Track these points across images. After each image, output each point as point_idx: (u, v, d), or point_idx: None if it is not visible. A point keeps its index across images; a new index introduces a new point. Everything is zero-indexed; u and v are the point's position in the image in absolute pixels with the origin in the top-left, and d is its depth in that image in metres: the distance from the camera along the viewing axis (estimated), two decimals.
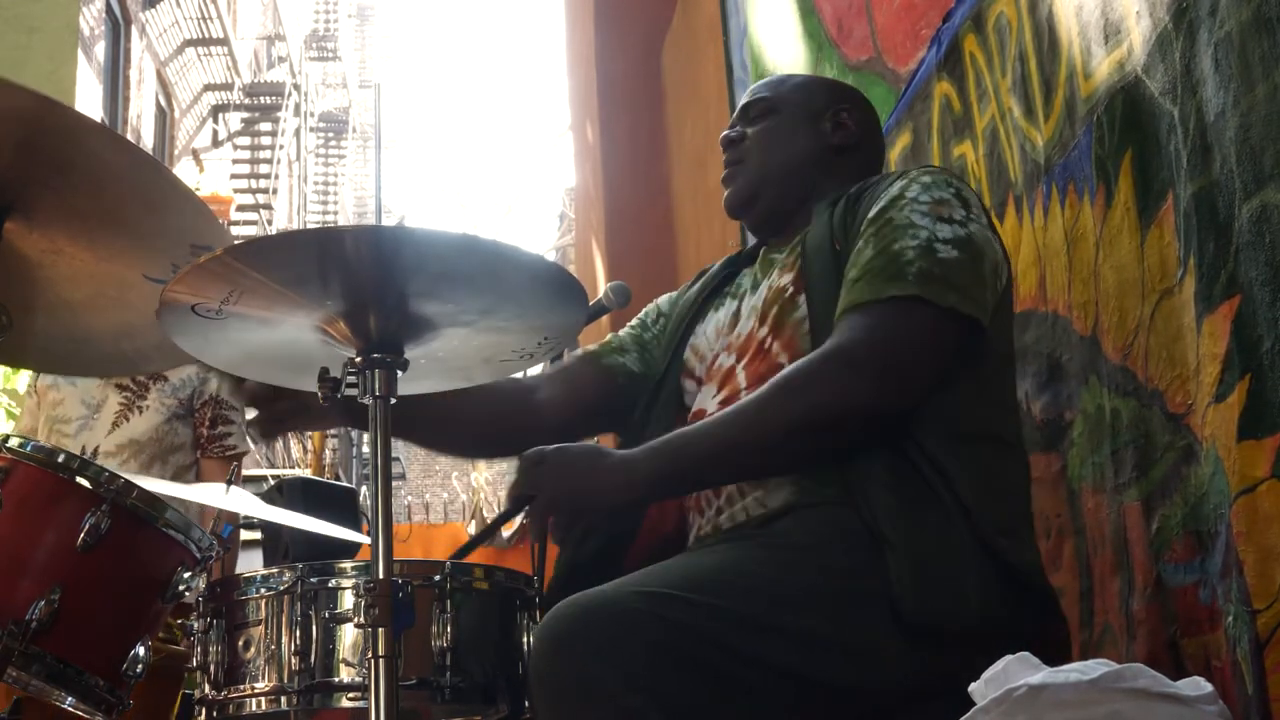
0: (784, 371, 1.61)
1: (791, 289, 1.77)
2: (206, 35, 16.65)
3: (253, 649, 1.73)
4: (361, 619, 1.50)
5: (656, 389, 1.96)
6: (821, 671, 1.48)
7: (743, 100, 2.01)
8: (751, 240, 2.05)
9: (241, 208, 17.82)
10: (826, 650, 1.48)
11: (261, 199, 18.94)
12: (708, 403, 1.81)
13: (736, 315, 1.87)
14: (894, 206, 1.68)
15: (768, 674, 1.46)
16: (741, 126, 1.97)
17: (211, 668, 1.75)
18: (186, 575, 2.00)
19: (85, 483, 1.93)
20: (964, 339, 1.61)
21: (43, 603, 1.82)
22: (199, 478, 3.35)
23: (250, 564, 4.25)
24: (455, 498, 17.35)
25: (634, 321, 2.13)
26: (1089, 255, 1.92)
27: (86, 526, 1.88)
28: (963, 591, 1.50)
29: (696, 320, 1.97)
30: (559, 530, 1.63)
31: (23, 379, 6.04)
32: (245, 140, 19.96)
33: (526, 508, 1.62)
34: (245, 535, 4.04)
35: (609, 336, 2.11)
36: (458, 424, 1.98)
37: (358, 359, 1.57)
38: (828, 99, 1.97)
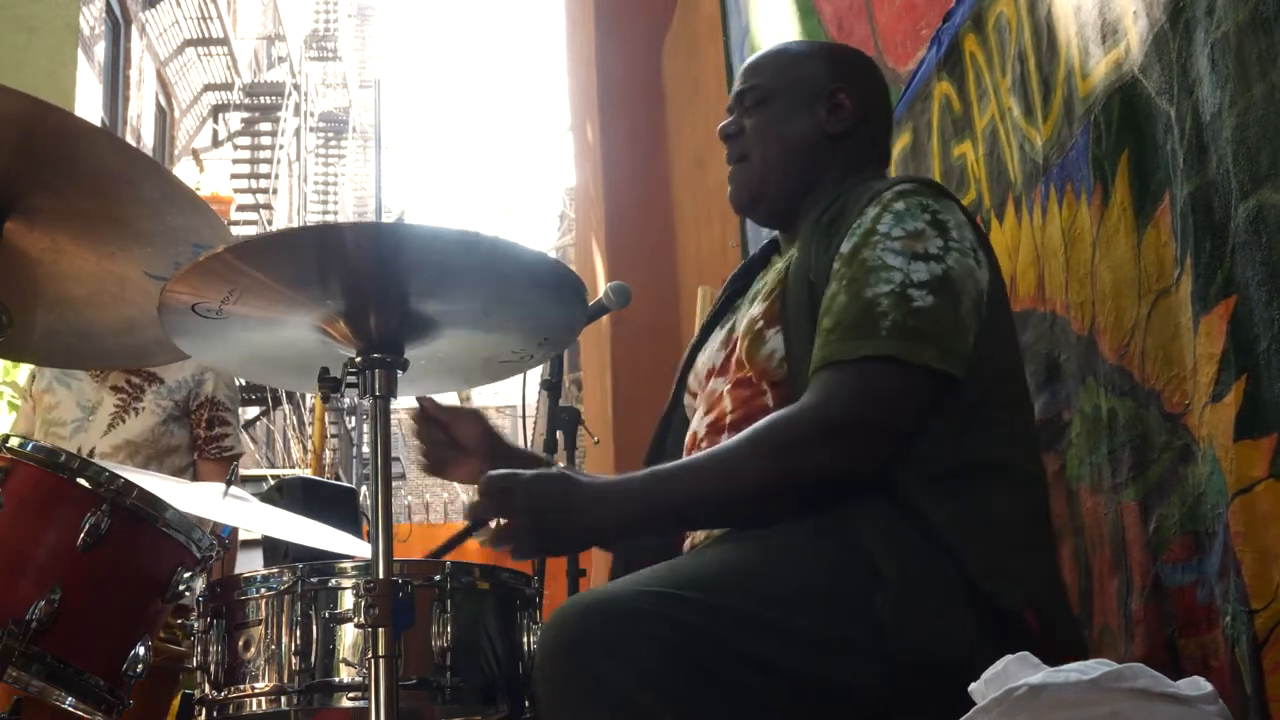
0: (759, 427, 1.58)
1: (762, 322, 1.74)
2: (206, 35, 16.65)
3: (253, 649, 1.73)
4: (361, 619, 1.50)
5: (670, 412, 1.97)
6: (825, 671, 1.48)
7: (737, 84, 1.96)
8: (750, 239, 2.04)
9: (241, 208, 17.82)
10: (828, 650, 1.48)
11: (261, 199, 18.93)
12: (699, 425, 1.82)
13: (730, 333, 1.85)
14: (866, 244, 1.64)
15: (772, 675, 1.46)
16: (738, 116, 1.92)
17: (211, 668, 1.75)
18: (186, 575, 2.00)
19: (85, 483, 1.93)
20: (939, 394, 1.58)
21: (43, 602, 1.82)
22: (196, 479, 3.34)
23: (250, 564, 4.25)
24: (455, 498, 17.34)
25: None
26: (1086, 255, 1.92)
27: (86, 526, 1.88)
28: (946, 631, 1.49)
29: (704, 338, 1.96)
30: (517, 555, 1.60)
31: (24, 372, 6.04)
32: (245, 140, 19.95)
33: (484, 529, 1.58)
34: (245, 535, 4.03)
35: None
36: None
37: (358, 359, 1.58)
38: (824, 78, 1.89)
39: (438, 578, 1.71)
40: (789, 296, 1.72)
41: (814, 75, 1.91)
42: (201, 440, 3.45)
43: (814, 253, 1.71)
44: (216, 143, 18.90)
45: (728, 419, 1.75)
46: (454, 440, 1.94)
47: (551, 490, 1.56)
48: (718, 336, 1.90)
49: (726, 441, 1.62)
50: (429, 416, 1.94)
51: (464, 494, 16.47)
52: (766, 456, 1.56)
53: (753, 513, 1.59)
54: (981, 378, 1.62)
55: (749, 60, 1.98)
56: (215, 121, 18.80)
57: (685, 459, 1.67)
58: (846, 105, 1.88)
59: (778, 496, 1.57)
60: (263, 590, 1.75)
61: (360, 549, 2.30)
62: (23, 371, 5.99)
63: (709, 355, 1.89)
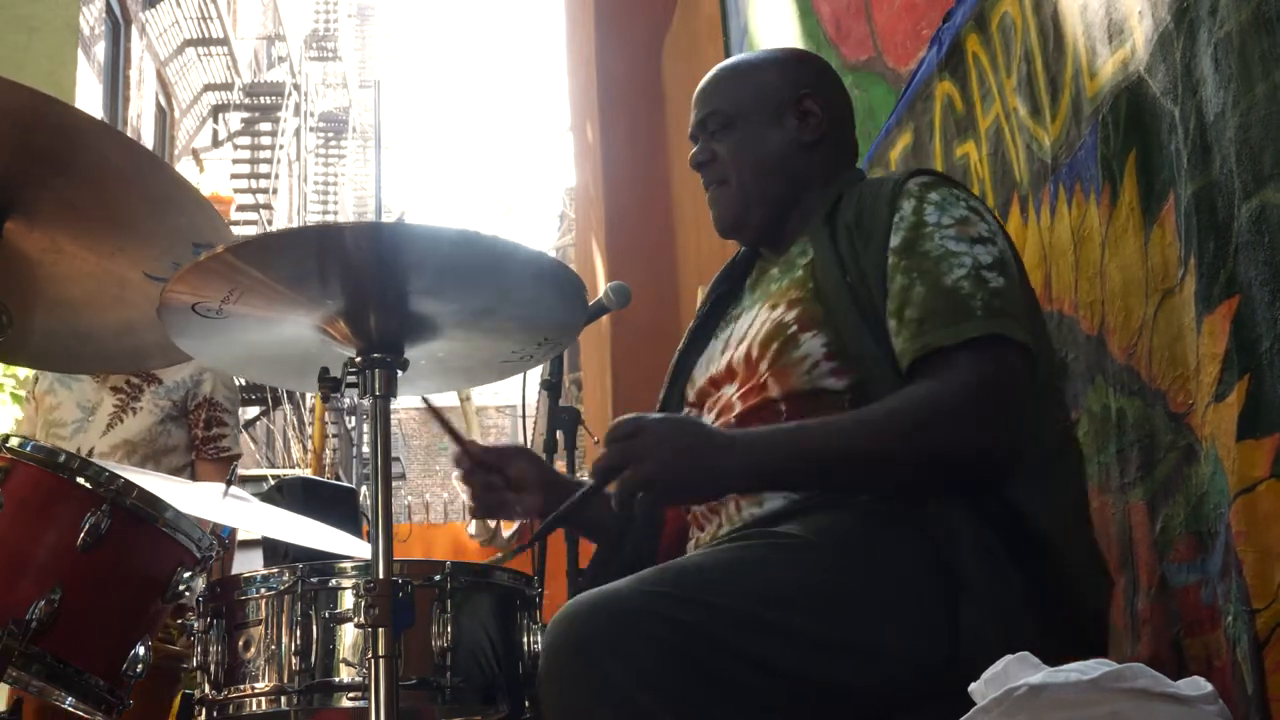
0: (896, 401, 1.56)
1: (796, 326, 1.70)
2: (206, 35, 16.65)
3: (253, 649, 1.73)
4: (361, 619, 1.50)
5: (665, 407, 1.96)
6: (825, 672, 1.48)
7: (695, 112, 1.92)
8: None
9: (241, 207, 17.81)
10: (829, 651, 1.48)
11: (261, 199, 18.93)
12: (707, 413, 1.80)
13: (729, 340, 1.84)
14: (920, 236, 1.64)
15: (772, 675, 1.46)
16: (705, 143, 1.90)
17: (211, 668, 1.75)
18: (186, 575, 2.00)
19: (85, 483, 1.93)
20: (1029, 367, 1.59)
21: (43, 602, 1.82)
22: (194, 479, 3.35)
23: (250, 564, 4.25)
24: (455, 498, 17.34)
25: None
26: (1095, 255, 1.92)
27: (86, 526, 1.87)
28: (1029, 641, 1.43)
29: (695, 348, 1.94)
30: (646, 503, 1.53)
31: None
32: (245, 140, 19.95)
33: (617, 481, 1.49)
34: (245, 535, 4.03)
35: None
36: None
37: (358, 359, 1.57)
38: (786, 87, 1.87)
39: (438, 578, 1.71)
40: (828, 298, 1.69)
41: (775, 87, 1.88)
42: (199, 441, 3.46)
43: (844, 252, 1.71)
44: (216, 143, 18.90)
45: (734, 417, 1.73)
46: (506, 480, 1.89)
47: (684, 432, 1.52)
48: (716, 345, 1.88)
49: (858, 410, 1.58)
50: (477, 461, 1.88)
51: (464, 495, 16.47)
52: (915, 426, 1.54)
53: (894, 481, 1.57)
54: (1039, 357, 1.64)
55: (701, 85, 1.94)
56: (215, 121, 18.81)
57: (825, 419, 1.60)
58: (816, 111, 1.86)
59: (923, 466, 1.54)
60: (263, 590, 1.75)
61: (360, 549, 2.29)
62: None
63: (710, 363, 1.86)
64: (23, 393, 6.00)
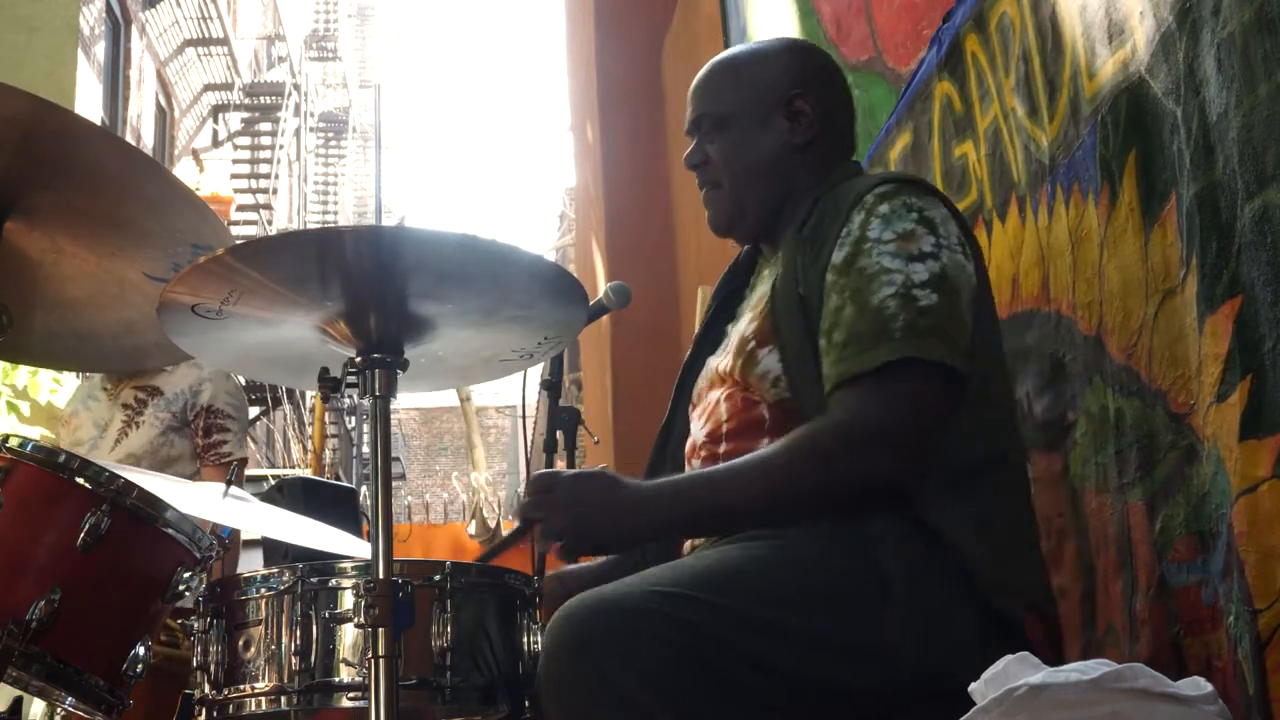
0: (798, 438, 1.59)
1: (754, 342, 1.74)
2: (206, 35, 16.65)
3: (253, 649, 1.73)
4: (361, 619, 1.50)
5: (670, 421, 1.97)
6: (824, 672, 1.48)
7: (691, 107, 1.92)
8: None
9: (241, 208, 17.82)
10: (828, 651, 1.48)
11: (261, 199, 18.93)
12: (698, 434, 1.82)
13: (727, 344, 1.85)
14: (860, 252, 1.64)
15: (772, 675, 1.46)
16: (699, 143, 1.90)
17: (211, 668, 1.75)
18: (186, 575, 2.00)
19: (85, 483, 1.93)
20: (952, 391, 1.60)
21: (43, 603, 1.82)
22: None
23: (250, 564, 4.25)
24: (455, 498, 17.34)
25: None
26: (1093, 255, 1.92)
27: (86, 526, 1.87)
28: (952, 638, 1.51)
29: (704, 347, 1.95)
30: (564, 557, 1.63)
31: (23, 374, 6.05)
32: (245, 140, 19.95)
33: (533, 529, 1.62)
34: (246, 535, 4.04)
35: None
36: None
37: (358, 359, 1.57)
38: (778, 87, 1.86)
39: (438, 578, 1.71)
40: (780, 315, 1.71)
41: (767, 86, 1.87)
42: (201, 449, 3.56)
43: (799, 264, 1.71)
44: (216, 143, 18.90)
45: (724, 429, 1.76)
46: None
47: (593, 488, 1.59)
48: (721, 344, 1.90)
49: (763, 450, 1.62)
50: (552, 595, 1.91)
51: (463, 494, 16.48)
52: (810, 464, 1.57)
53: (792, 519, 1.60)
54: (978, 373, 1.64)
55: (696, 81, 1.94)
56: (215, 121, 18.81)
57: (724, 465, 1.67)
58: (807, 111, 1.86)
59: (820, 504, 1.57)
60: (263, 590, 1.74)
61: (360, 549, 2.29)
62: (22, 374, 6.03)
63: (709, 364, 1.89)
64: (19, 401, 6.06)
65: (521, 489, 1.64)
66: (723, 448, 1.74)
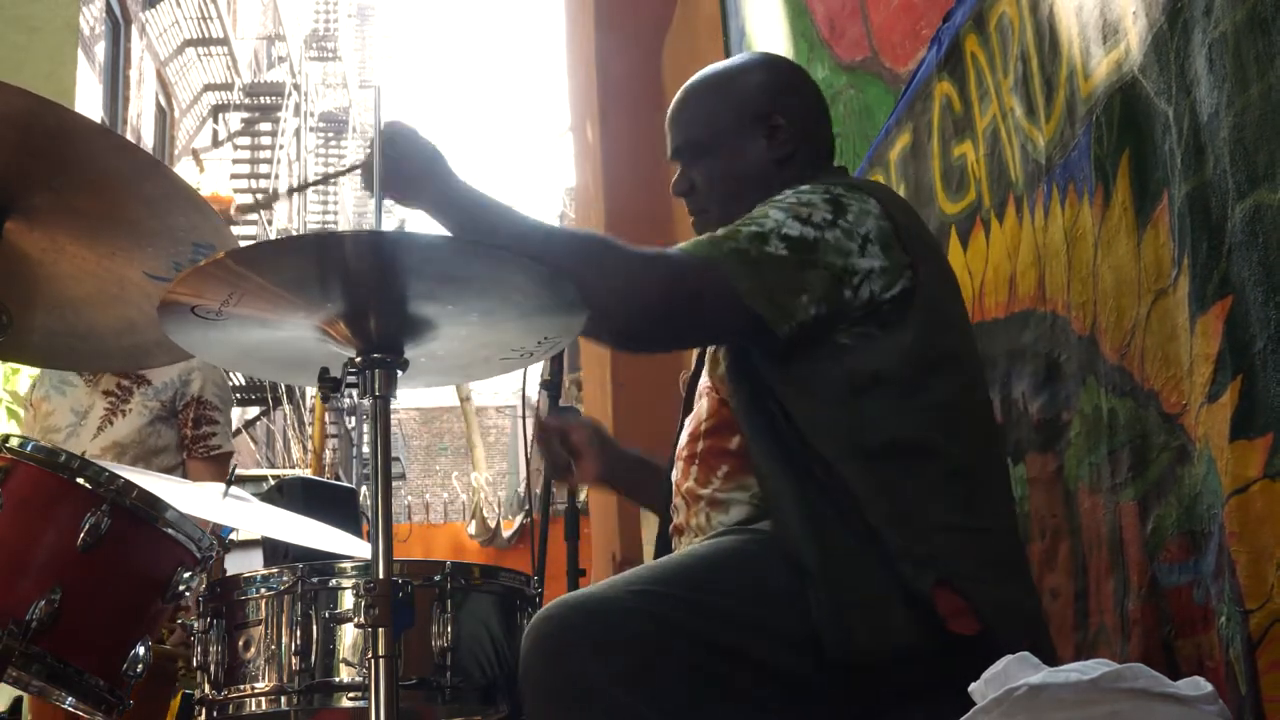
0: (605, 236, 1.69)
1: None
2: (206, 35, 16.63)
3: (253, 649, 1.74)
4: (361, 619, 1.50)
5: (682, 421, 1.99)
6: (800, 665, 1.49)
7: (670, 136, 1.95)
8: None
9: (241, 208, 17.80)
10: (802, 644, 1.49)
11: (261, 199, 18.92)
12: (683, 436, 1.86)
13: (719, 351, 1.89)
14: (766, 203, 1.70)
15: (745, 664, 1.48)
16: (684, 172, 1.92)
17: (211, 668, 1.75)
18: (186, 575, 2.00)
19: (85, 483, 1.93)
20: (747, 333, 1.63)
21: (43, 603, 1.82)
22: (186, 479, 3.36)
23: (250, 564, 4.25)
24: (455, 498, 17.34)
25: None
26: (1088, 255, 1.92)
27: (86, 526, 1.88)
28: (882, 625, 1.49)
29: (702, 362, 1.98)
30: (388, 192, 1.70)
31: (23, 380, 6.04)
32: (245, 140, 19.93)
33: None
34: (246, 535, 4.04)
35: None
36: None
37: (357, 359, 1.58)
38: (753, 103, 1.89)
39: (437, 578, 1.72)
40: None
41: (740, 105, 1.90)
42: (189, 440, 3.48)
43: None
44: (216, 143, 18.88)
45: (702, 427, 1.79)
46: (570, 446, 2.09)
47: (421, 145, 1.70)
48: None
49: (574, 228, 1.70)
50: (549, 429, 2.11)
51: (463, 495, 16.47)
52: (586, 251, 1.66)
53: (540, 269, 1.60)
54: (914, 354, 1.65)
55: (671, 110, 1.97)
56: (215, 121, 18.79)
57: (530, 215, 1.72)
58: (783, 124, 1.88)
59: (563, 283, 1.56)
60: (263, 590, 1.75)
61: (360, 549, 2.30)
62: (23, 380, 6.02)
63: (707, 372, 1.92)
64: (18, 407, 6.04)
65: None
66: (700, 445, 1.78)
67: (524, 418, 3.19)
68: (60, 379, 3.52)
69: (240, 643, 1.75)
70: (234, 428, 3.82)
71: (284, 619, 1.71)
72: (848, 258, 1.65)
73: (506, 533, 12.41)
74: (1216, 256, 1.53)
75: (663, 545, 1.87)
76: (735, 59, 2.09)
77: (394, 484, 1.66)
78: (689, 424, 1.84)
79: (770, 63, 2.06)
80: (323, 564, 1.75)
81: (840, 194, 1.70)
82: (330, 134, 28.06)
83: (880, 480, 1.57)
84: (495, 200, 1.70)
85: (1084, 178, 1.93)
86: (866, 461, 1.58)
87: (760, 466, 1.63)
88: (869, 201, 1.71)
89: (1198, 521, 1.61)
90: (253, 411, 16.80)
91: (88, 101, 11.70)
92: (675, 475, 1.83)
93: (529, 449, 2.19)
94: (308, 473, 13.12)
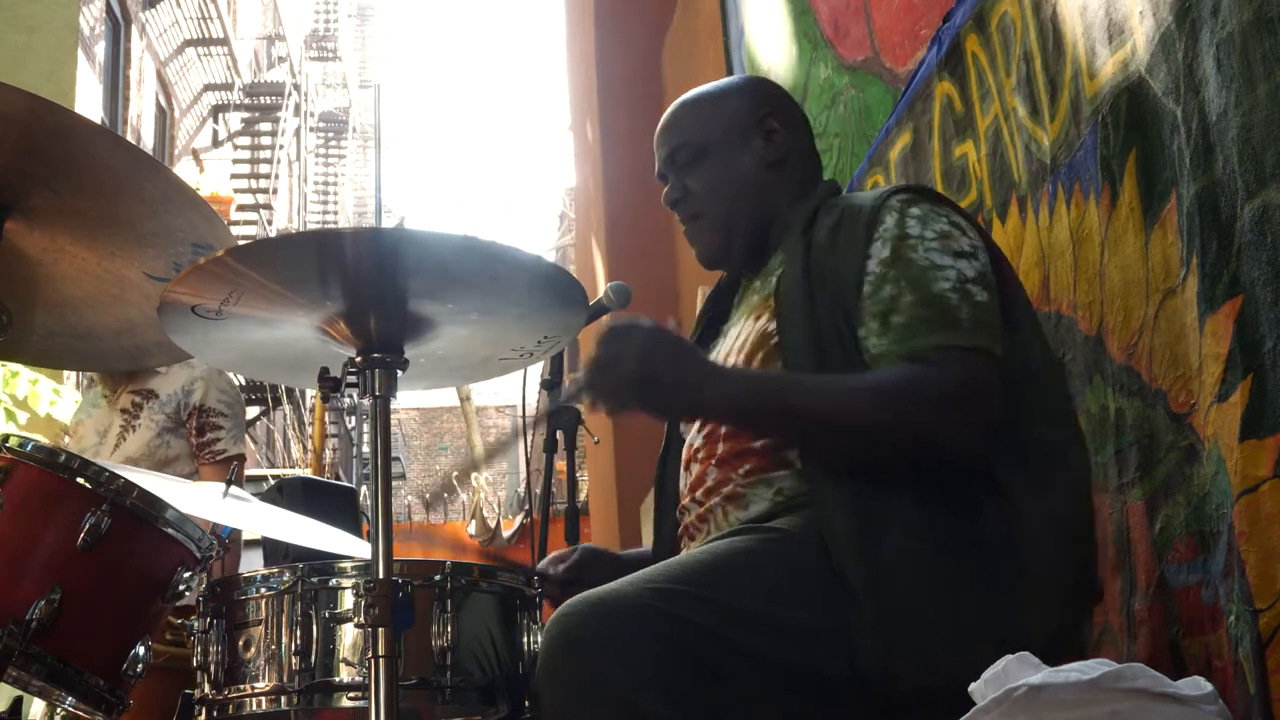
0: (874, 377, 1.59)
1: (778, 338, 1.74)
2: (206, 35, 16.64)
3: (253, 649, 1.73)
4: (361, 619, 1.50)
5: (670, 431, 1.98)
6: (818, 666, 1.48)
7: (661, 149, 1.96)
8: None
9: (241, 208, 17.81)
10: (821, 644, 1.49)
11: (261, 199, 18.93)
12: (695, 437, 1.83)
13: (717, 355, 1.86)
14: (905, 247, 1.66)
15: (764, 665, 1.47)
16: (676, 180, 1.92)
17: (211, 667, 1.75)
18: (186, 575, 2.00)
19: (85, 483, 1.93)
20: (996, 382, 1.60)
21: (43, 603, 1.82)
22: None
23: (250, 564, 4.25)
24: (455, 498, 17.36)
25: None
26: (1094, 255, 1.92)
27: (86, 526, 1.87)
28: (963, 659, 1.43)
29: None
30: (613, 401, 1.57)
31: (23, 384, 6.05)
32: (245, 140, 19.94)
33: (595, 371, 1.55)
34: (246, 535, 4.04)
35: None
36: None
37: (358, 359, 1.57)
38: (749, 110, 1.91)
39: (437, 578, 1.71)
40: (785, 313, 1.72)
41: (738, 111, 1.92)
42: (196, 448, 3.59)
43: (815, 266, 1.72)
44: (216, 143, 18.90)
45: (722, 429, 1.76)
46: (570, 578, 1.95)
47: (671, 343, 1.56)
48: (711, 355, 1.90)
49: (845, 375, 1.61)
50: (547, 579, 1.93)
51: (463, 495, 16.48)
52: (884, 400, 1.56)
53: (839, 449, 1.59)
54: (1031, 363, 1.66)
55: (663, 122, 1.98)
56: (215, 121, 18.80)
57: (802, 375, 1.64)
58: (778, 128, 1.90)
59: (883, 441, 1.55)
60: (263, 590, 1.74)
61: (360, 549, 2.29)
62: (23, 384, 6.04)
63: None
64: (18, 411, 6.07)
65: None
66: (720, 447, 1.75)
67: (524, 418, 3.18)
68: (90, 402, 3.72)
69: (240, 642, 1.74)
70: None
71: (284, 619, 1.71)
72: (998, 264, 1.70)
73: (506, 533, 12.43)
74: (1226, 256, 1.52)
75: (666, 549, 1.86)
76: (724, 81, 2.11)
77: (394, 484, 1.65)
78: (703, 427, 1.82)
79: (759, 79, 2.11)
80: (323, 564, 1.74)
81: (945, 213, 1.71)
82: (330, 134, 28.08)
83: (1038, 483, 1.58)
84: (759, 375, 1.66)
85: (1090, 177, 1.92)
86: (1030, 460, 1.59)
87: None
88: (956, 211, 1.74)
89: (1206, 521, 1.61)
90: (253, 411, 16.81)
91: (88, 101, 11.70)
92: (688, 478, 1.82)
93: (529, 449, 2.17)
94: (308, 473, 13.13)
